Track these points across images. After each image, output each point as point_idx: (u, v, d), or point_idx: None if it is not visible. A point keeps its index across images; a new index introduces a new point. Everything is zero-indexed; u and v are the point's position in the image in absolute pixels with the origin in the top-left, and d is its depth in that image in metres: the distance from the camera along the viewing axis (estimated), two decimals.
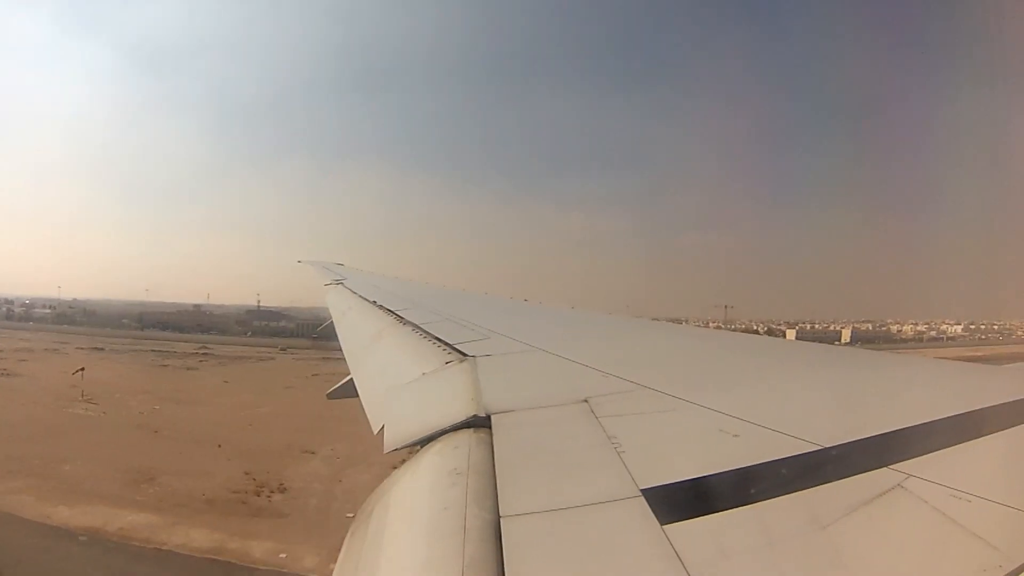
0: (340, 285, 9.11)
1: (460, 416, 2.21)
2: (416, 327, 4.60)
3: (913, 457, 1.71)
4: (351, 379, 4.24)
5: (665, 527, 1.39)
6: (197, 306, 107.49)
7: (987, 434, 1.95)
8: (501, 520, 1.45)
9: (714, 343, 4.97)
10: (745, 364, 3.63)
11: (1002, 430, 1.97)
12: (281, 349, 70.59)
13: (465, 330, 4.28)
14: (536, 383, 2.93)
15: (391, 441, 2.28)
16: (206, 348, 70.47)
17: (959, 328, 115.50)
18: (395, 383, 3.27)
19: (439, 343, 3.83)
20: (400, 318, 5.23)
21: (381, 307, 6.18)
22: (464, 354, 3.38)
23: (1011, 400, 2.33)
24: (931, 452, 1.77)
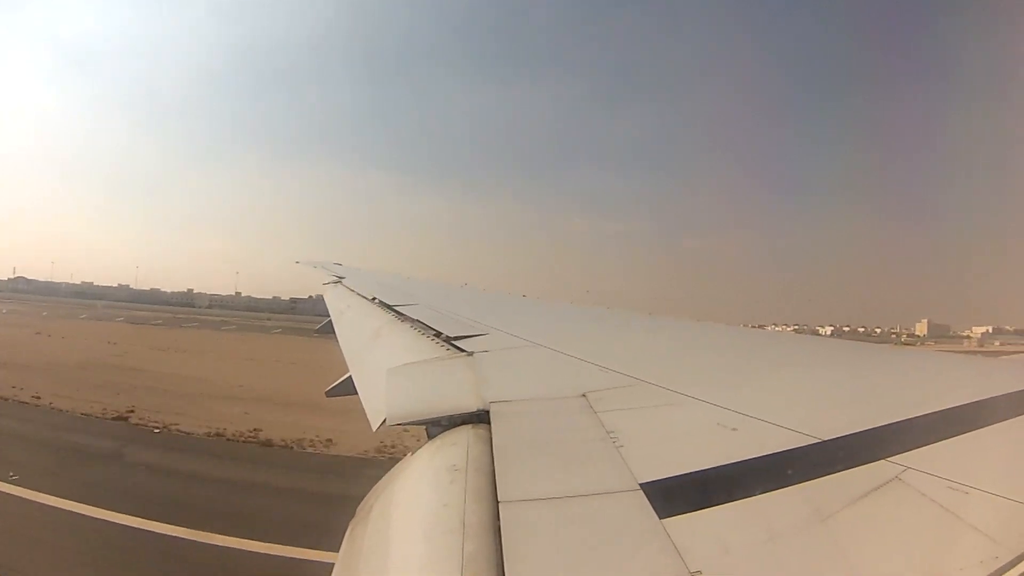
0: (339, 284, 9.10)
1: (458, 410, 2.22)
2: (415, 323, 4.60)
3: (911, 449, 1.71)
4: (350, 376, 4.24)
5: (664, 521, 1.39)
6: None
7: (985, 426, 1.95)
8: (500, 505, 1.46)
9: (712, 337, 4.97)
10: (743, 358, 3.64)
11: (1000, 422, 1.98)
12: None
13: (464, 326, 4.28)
14: (534, 378, 2.93)
15: (381, 416, 2.28)
16: None
17: (829, 330, 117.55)
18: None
19: (438, 339, 3.83)
20: (399, 315, 5.23)
21: (380, 304, 6.17)
22: (462, 350, 3.39)
23: (1010, 392, 2.33)
24: (929, 444, 1.77)
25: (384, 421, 2.31)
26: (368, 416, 2.95)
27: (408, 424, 2.18)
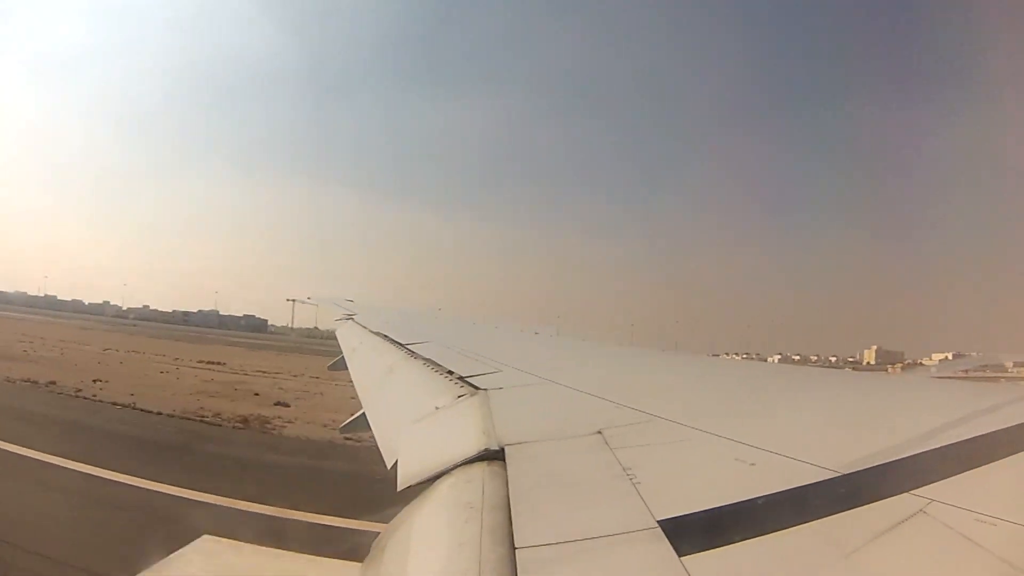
0: (350, 320, 9.19)
1: (473, 450, 2.21)
2: (428, 361, 4.61)
3: (935, 481, 1.67)
4: (363, 413, 4.25)
5: (683, 558, 1.36)
6: None
7: (1012, 455, 1.91)
8: (516, 551, 1.43)
9: (727, 371, 4.93)
10: (759, 391, 3.61)
11: None
12: None
13: (477, 363, 4.28)
14: (549, 415, 2.92)
15: (405, 478, 2.27)
16: None
17: (777, 359, 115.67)
18: (408, 417, 3.27)
19: (451, 377, 3.84)
20: (411, 352, 5.24)
21: (392, 341, 6.20)
22: (476, 387, 3.39)
23: None
24: (954, 476, 1.73)
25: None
26: (382, 455, 2.94)
27: (425, 481, 2.15)
